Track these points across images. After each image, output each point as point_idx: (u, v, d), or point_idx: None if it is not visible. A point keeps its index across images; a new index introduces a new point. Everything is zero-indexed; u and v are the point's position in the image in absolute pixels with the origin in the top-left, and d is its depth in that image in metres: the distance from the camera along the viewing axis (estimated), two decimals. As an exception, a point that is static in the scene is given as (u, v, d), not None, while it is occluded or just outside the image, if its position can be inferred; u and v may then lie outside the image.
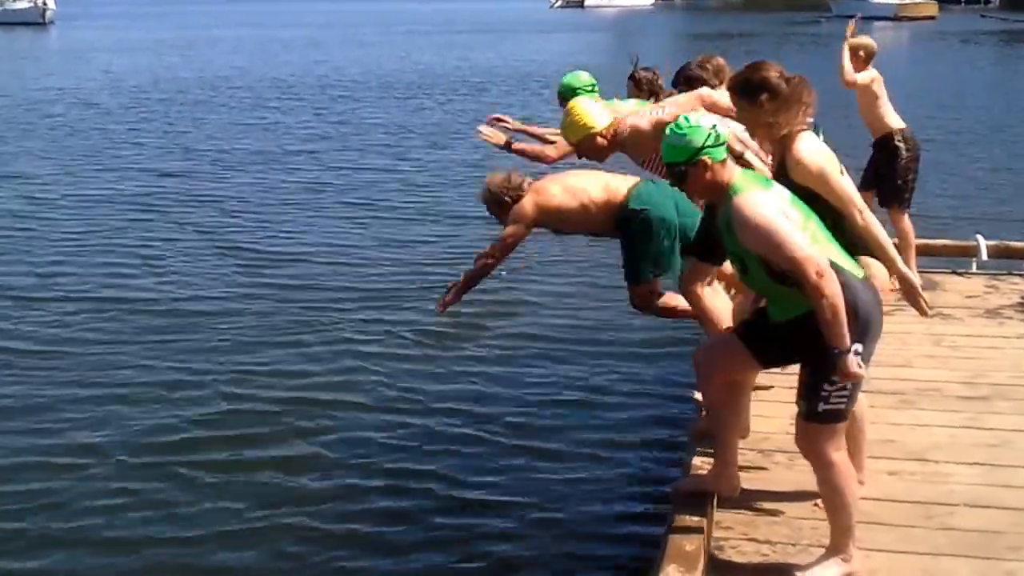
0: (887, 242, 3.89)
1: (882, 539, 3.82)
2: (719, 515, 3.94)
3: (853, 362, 3.35)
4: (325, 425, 6.13)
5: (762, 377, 4.60)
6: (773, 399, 5.01)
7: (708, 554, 3.67)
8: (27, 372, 6.93)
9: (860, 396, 3.99)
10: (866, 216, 3.83)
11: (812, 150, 3.81)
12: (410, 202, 12.26)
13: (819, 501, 4.02)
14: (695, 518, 3.66)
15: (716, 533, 3.85)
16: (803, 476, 4.26)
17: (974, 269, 7.49)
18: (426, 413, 6.34)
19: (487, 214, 5.04)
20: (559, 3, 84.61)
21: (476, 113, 20.32)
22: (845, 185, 3.85)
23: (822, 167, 3.80)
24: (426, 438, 6.01)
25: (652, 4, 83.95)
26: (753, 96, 3.76)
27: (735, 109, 3.93)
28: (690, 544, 3.55)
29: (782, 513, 4.02)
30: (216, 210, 11.93)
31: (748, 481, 4.19)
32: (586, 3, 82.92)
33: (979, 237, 7.64)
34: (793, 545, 3.80)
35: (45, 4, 58.99)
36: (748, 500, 4.07)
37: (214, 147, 16.57)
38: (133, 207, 12.08)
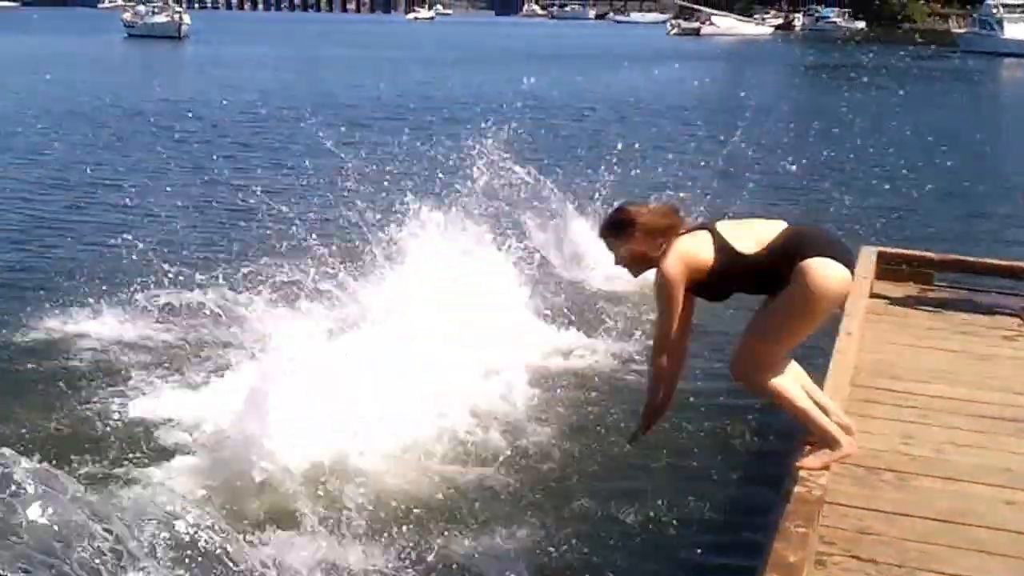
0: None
1: (995, 569, 3.68)
2: (823, 530, 3.85)
3: None
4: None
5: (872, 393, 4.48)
6: (881, 416, 4.89)
7: (811, 568, 3.59)
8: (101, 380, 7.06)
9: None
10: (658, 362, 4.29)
11: (666, 264, 4.13)
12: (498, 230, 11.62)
13: None
14: (800, 530, 3.58)
15: (820, 548, 3.76)
16: (912, 496, 4.15)
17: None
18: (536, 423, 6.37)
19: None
20: (675, 30, 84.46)
21: (572, 140, 20.16)
22: (664, 321, 4.18)
23: (661, 289, 4.15)
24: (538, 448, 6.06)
25: (771, 33, 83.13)
26: (625, 234, 4.21)
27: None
28: (793, 555, 3.47)
29: (889, 534, 3.90)
30: (302, 229, 10.89)
31: (855, 498, 4.09)
32: (703, 31, 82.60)
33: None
34: (899, 567, 3.68)
35: (181, 19, 61.71)
36: (854, 517, 3.97)
37: (309, 164, 16.29)
38: (220, 222, 12.10)
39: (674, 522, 5.25)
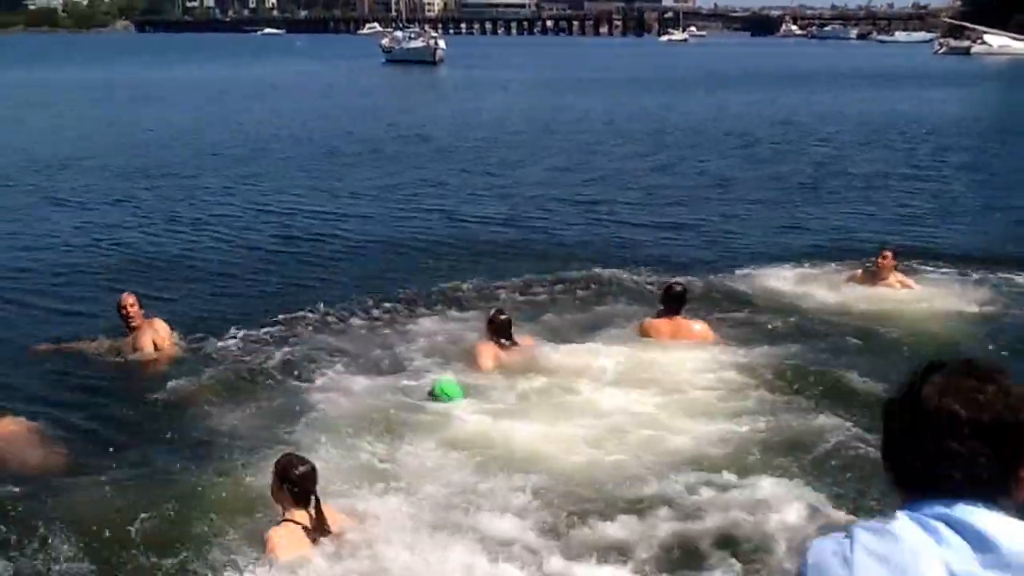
0: None
1: None
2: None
3: None
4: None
5: None
6: None
7: None
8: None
9: None
10: None
11: None
12: (724, 280, 10.34)
13: None
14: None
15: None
16: None
17: None
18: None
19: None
20: (943, 49, 79.58)
21: (803, 166, 19.11)
22: None
23: None
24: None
25: (1052, 52, 76.59)
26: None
27: None
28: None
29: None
30: (530, 264, 10.81)
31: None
32: (973, 50, 77.27)
33: None
34: None
35: (436, 44, 64.30)
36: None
37: (537, 193, 16.08)
38: (421, 251, 11.77)
39: None
